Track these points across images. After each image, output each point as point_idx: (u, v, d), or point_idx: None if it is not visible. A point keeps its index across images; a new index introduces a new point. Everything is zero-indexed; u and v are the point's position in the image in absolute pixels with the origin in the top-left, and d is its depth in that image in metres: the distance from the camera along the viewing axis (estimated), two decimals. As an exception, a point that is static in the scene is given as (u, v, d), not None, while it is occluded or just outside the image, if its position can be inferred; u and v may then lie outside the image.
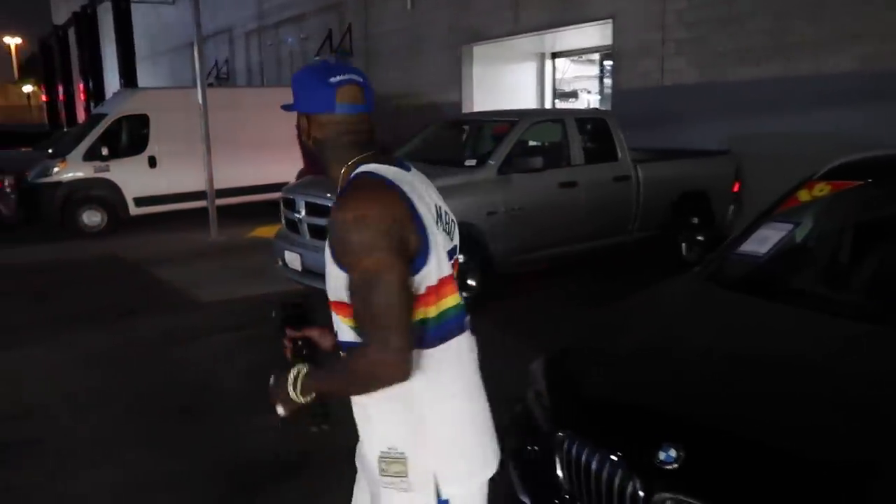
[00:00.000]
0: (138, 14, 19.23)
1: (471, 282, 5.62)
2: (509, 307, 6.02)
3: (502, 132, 6.17)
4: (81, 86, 21.15)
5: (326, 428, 1.52)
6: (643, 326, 2.50)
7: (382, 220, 1.32)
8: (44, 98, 27.59)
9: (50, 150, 11.84)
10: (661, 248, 7.18)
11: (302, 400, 1.45)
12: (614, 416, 2.00)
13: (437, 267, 1.39)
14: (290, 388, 1.44)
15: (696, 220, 7.33)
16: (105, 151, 10.32)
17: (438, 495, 1.41)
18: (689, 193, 7.18)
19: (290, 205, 5.83)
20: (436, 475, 1.41)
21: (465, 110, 12.40)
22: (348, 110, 1.47)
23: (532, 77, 13.40)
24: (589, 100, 14.09)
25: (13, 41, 59.64)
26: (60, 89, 23.45)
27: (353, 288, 1.35)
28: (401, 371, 1.34)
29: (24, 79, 59.19)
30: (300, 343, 1.55)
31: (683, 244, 7.28)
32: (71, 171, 10.26)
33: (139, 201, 10.65)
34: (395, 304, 1.32)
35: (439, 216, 1.49)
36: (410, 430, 1.41)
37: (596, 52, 13.30)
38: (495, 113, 7.30)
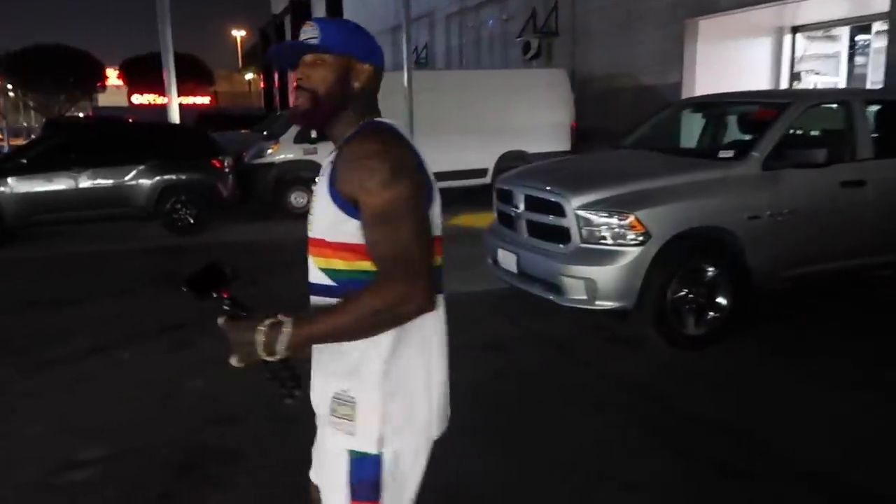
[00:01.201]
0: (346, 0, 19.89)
1: (721, 300, 4.57)
2: (779, 335, 4.88)
3: (765, 118, 5.00)
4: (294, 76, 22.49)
5: (300, 394, 1.41)
6: None
7: (407, 156, 1.36)
8: (262, 84, 29.94)
9: (265, 133, 12.40)
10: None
11: (276, 357, 1.34)
12: None
13: (437, 221, 1.44)
14: (270, 343, 1.32)
15: None
16: (314, 134, 10.46)
17: (380, 448, 1.41)
18: None
19: (506, 197, 5.17)
20: (381, 430, 1.41)
21: (685, 93, 11.04)
22: (383, 68, 1.51)
23: (766, 55, 11.63)
24: (816, 82, 12.00)
25: (238, 33, 66.06)
26: (276, 76, 25.16)
27: (374, 219, 1.32)
28: (429, 302, 1.34)
29: (246, 67, 65.42)
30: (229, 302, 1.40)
31: None
32: (283, 152, 10.55)
33: (342, 184, 10.71)
34: (423, 233, 1.34)
35: None
36: (369, 378, 1.40)
37: (846, 24, 11.23)
38: (754, 94, 6.07)
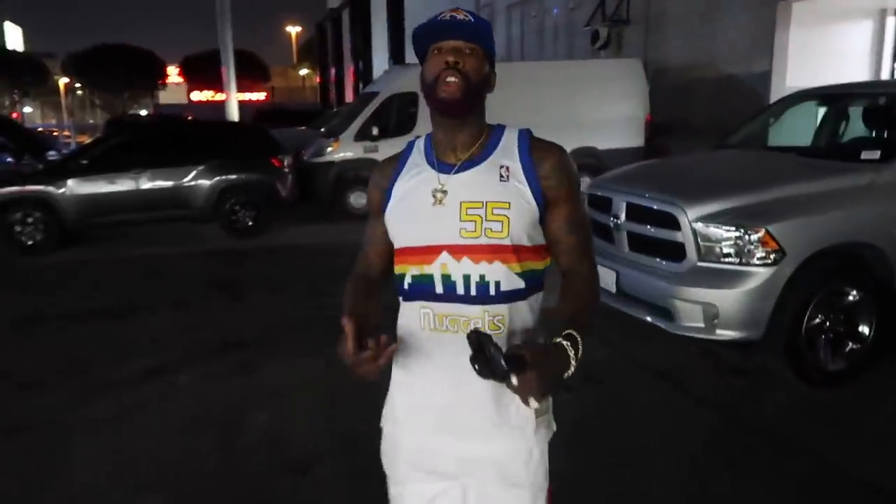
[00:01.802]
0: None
1: (863, 328, 3.88)
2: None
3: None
4: (352, 68, 22.13)
5: None
6: None
7: None
8: (317, 80, 29.84)
9: (322, 129, 12.04)
10: None
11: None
12: None
13: None
14: (578, 359, 1.28)
15: None
16: (375, 131, 10.03)
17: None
18: None
19: (601, 204, 4.56)
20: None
21: (776, 83, 10.13)
22: None
23: (865, 41, 10.59)
24: None
25: (294, 30, 66.66)
26: (332, 72, 24.93)
27: (576, 220, 1.44)
28: None
29: (301, 63, 66.06)
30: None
31: None
32: (342, 151, 10.14)
33: (404, 184, 10.23)
34: None
35: None
36: None
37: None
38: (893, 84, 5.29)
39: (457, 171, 1.40)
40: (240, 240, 8.74)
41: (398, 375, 1.48)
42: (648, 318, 4.06)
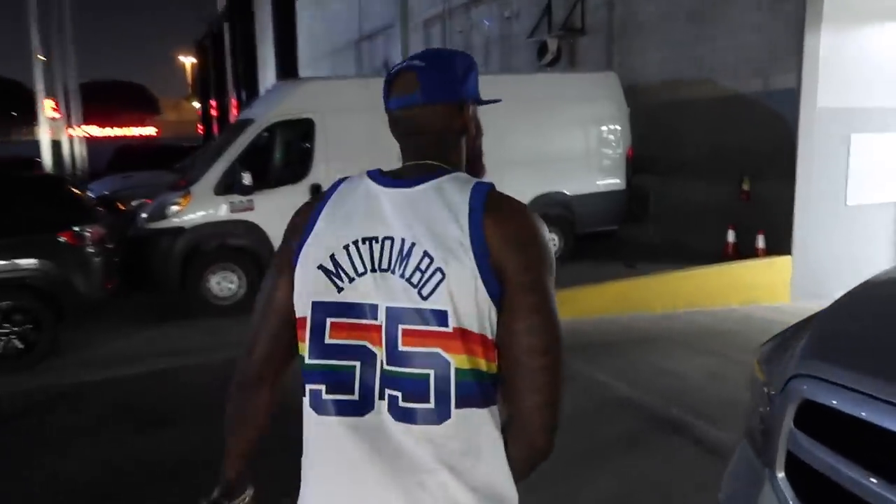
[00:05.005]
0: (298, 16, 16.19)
1: None
2: None
3: None
4: (234, 100, 18.44)
5: None
6: None
7: None
8: (198, 112, 25.93)
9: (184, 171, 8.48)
10: None
11: None
12: None
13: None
14: None
15: None
16: (247, 179, 6.54)
17: None
18: None
19: (865, 440, 1.35)
20: None
21: (805, 102, 7.48)
22: (392, 105, 1.26)
23: (900, 47, 8.17)
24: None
25: (188, 60, 61.65)
26: (213, 102, 21.09)
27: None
28: None
29: (194, 94, 61.37)
30: None
31: None
32: (195, 209, 6.56)
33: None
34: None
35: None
36: None
37: None
38: None
39: None
40: (3, 377, 5.00)
41: None
42: None
